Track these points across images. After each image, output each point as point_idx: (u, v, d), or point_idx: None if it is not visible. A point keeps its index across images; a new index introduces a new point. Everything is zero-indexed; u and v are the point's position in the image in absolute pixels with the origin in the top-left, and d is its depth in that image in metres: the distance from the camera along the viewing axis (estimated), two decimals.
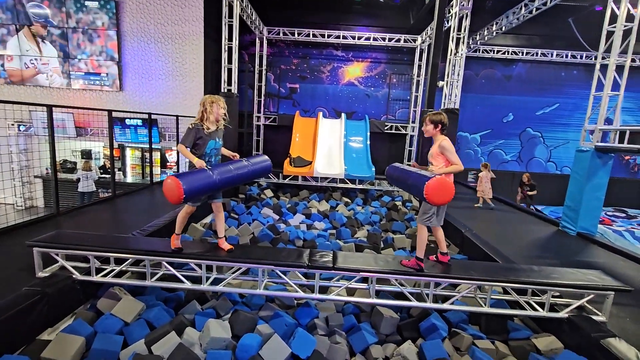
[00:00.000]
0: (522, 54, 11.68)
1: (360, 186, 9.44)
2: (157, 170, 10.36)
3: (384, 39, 11.15)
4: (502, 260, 4.07)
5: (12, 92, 10.16)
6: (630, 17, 5.13)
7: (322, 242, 5.52)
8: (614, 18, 5.25)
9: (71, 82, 10.13)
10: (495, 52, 11.67)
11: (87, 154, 10.55)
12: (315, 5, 11.37)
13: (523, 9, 8.56)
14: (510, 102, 12.23)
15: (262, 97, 11.71)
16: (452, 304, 3.22)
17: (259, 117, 11.67)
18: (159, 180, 8.77)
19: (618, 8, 5.21)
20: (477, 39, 10.75)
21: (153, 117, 7.73)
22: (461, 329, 3.23)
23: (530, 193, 9.48)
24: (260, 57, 11.49)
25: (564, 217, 5.79)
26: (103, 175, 9.72)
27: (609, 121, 5.32)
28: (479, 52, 11.60)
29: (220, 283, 3.32)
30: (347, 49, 11.84)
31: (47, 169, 10.22)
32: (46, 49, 9.95)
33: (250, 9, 9.61)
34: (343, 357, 2.91)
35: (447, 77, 8.41)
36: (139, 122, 10.04)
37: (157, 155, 10.42)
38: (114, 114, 6.45)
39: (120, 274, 3.38)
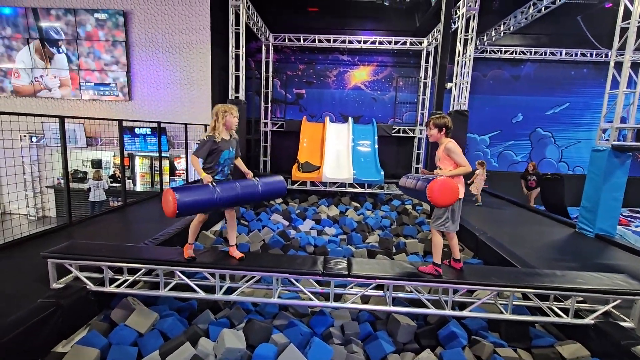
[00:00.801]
0: (531, 54, 11.54)
1: (370, 190, 9.36)
2: (166, 178, 10.43)
3: (389, 43, 11.12)
4: (519, 264, 3.97)
5: (24, 104, 10.35)
6: None
7: (333, 247, 5.45)
8: (627, 14, 5.14)
9: (81, 93, 10.28)
10: (503, 52, 11.55)
11: (97, 164, 10.68)
12: (320, 10, 11.41)
13: (531, 8, 8.47)
14: (519, 103, 12.07)
15: (269, 103, 11.75)
16: (470, 310, 3.13)
17: (266, 124, 11.69)
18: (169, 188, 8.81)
19: (632, 4, 5.11)
20: (485, 39, 10.66)
21: (162, 125, 7.79)
22: (481, 336, 3.14)
23: (533, 193, 8.87)
24: (267, 63, 11.54)
25: (581, 218, 5.64)
26: (113, 184, 9.82)
27: (623, 120, 5.19)
28: (487, 52, 11.49)
29: (233, 292, 3.28)
30: (353, 54, 11.84)
31: (58, 179, 10.36)
32: (56, 61, 10.12)
33: (257, 17, 9.67)
34: None
35: (455, 79, 8.33)
36: (148, 130, 10.13)
37: (166, 164, 10.49)
38: (124, 124, 6.50)
39: (133, 284, 3.36)
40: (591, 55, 11.46)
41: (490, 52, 11.52)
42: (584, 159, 12.12)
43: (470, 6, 7.76)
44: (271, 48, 11.42)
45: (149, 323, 3.06)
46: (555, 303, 3.18)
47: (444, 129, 3.01)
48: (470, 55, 8.17)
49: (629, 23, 5.08)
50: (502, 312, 3.12)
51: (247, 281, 3.31)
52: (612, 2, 9.86)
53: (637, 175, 12.18)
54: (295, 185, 9.42)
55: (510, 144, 12.27)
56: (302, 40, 11.15)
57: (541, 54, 11.53)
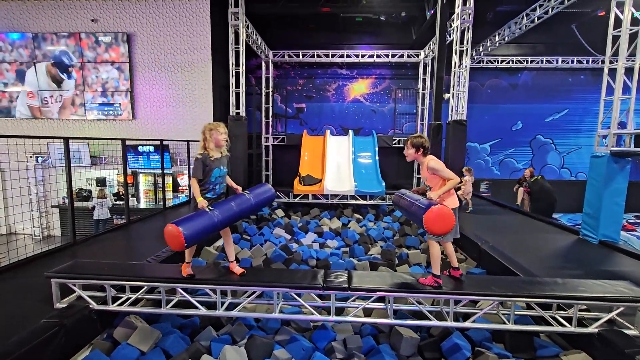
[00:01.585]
0: (527, 62, 11.68)
1: (371, 202, 9.37)
2: (169, 194, 10.52)
3: (387, 56, 11.32)
4: (522, 273, 3.94)
5: (31, 126, 10.58)
6: (634, 21, 5.11)
7: (335, 260, 5.45)
8: (618, 22, 5.23)
9: (86, 113, 10.50)
10: (500, 62, 11.70)
11: (101, 182, 10.81)
12: (318, 27, 11.68)
13: (524, 18, 8.63)
14: (518, 110, 12.15)
15: (270, 118, 11.91)
16: (473, 321, 3.11)
17: (267, 138, 11.83)
18: (172, 204, 8.88)
19: (621, 12, 5.21)
20: (481, 50, 10.82)
21: (165, 143, 7.92)
22: (485, 347, 3.11)
23: (525, 199, 8.73)
24: (267, 79, 11.75)
25: (584, 225, 5.61)
26: (117, 202, 9.92)
27: (622, 125, 5.22)
28: (483, 62, 11.65)
29: (235, 307, 3.29)
30: (351, 67, 12.04)
31: (63, 198, 10.48)
32: (65, 84, 10.39)
33: (256, 35, 9.91)
34: None
35: (453, 89, 8.43)
36: (151, 148, 10.28)
37: (169, 180, 10.60)
38: (128, 142, 6.62)
39: (135, 302, 3.38)
40: (587, 62, 11.58)
41: (487, 62, 11.68)
42: (586, 165, 12.06)
43: (464, 19, 7.92)
44: (271, 64, 11.66)
45: (151, 341, 3.07)
46: (558, 312, 3.16)
47: (421, 149, 3.05)
48: (466, 66, 8.30)
49: (620, 31, 5.17)
50: (505, 323, 3.09)
51: (248, 296, 3.31)
52: (604, 11, 10.02)
53: None
54: (297, 198, 9.46)
55: (511, 151, 12.29)
56: (301, 56, 11.38)
57: (538, 62, 11.67)
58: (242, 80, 8.69)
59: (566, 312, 3.15)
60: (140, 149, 10.29)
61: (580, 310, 3.06)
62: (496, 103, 12.15)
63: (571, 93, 12.05)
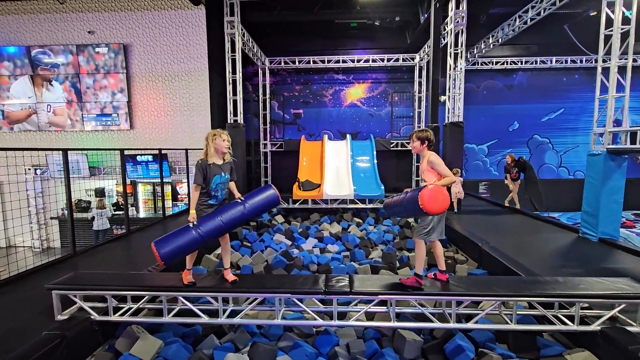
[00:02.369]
0: (522, 63, 11.79)
1: (371, 205, 9.38)
2: (168, 203, 10.51)
3: (382, 60, 11.41)
4: (523, 273, 3.94)
5: (29, 138, 10.59)
6: (626, 20, 5.17)
7: (336, 265, 5.44)
8: (609, 22, 5.30)
9: (84, 124, 10.53)
10: (494, 63, 11.80)
11: (100, 192, 10.80)
12: (313, 33, 11.78)
13: (517, 20, 8.73)
14: (514, 111, 12.23)
15: (268, 124, 11.96)
16: (476, 322, 3.11)
17: (265, 144, 11.86)
18: (171, 213, 8.87)
19: (612, 12, 5.28)
20: (475, 52, 10.92)
21: (163, 152, 7.93)
22: (489, 348, 3.10)
23: (516, 185, 8.43)
24: (264, 86, 11.82)
25: (583, 223, 5.62)
26: (117, 212, 9.90)
27: (618, 122, 5.26)
28: (478, 64, 11.75)
29: (237, 315, 3.28)
30: (347, 72, 12.13)
31: (62, 209, 10.46)
32: (53, 91, 10.38)
33: (252, 42, 9.99)
34: None
35: (449, 92, 8.49)
36: (150, 157, 10.29)
37: (168, 189, 10.59)
38: (126, 152, 6.64)
39: (137, 312, 3.37)
40: (581, 61, 11.69)
41: (481, 64, 11.78)
42: (583, 163, 12.13)
43: (457, 22, 8.00)
44: (267, 71, 11.73)
45: (153, 351, 3.05)
46: (560, 310, 3.15)
47: (426, 142, 3.13)
48: (461, 69, 8.36)
49: (611, 30, 5.24)
50: (507, 323, 3.09)
51: (250, 303, 3.31)
52: (595, 10, 10.14)
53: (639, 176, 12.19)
54: (297, 204, 9.46)
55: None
56: (297, 62, 11.46)
57: (532, 63, 11.77)
58: (239, 87, 8.73)
59: (568, 310, 3.14)
60: (138, 158, 10.30)
61: (582, 308, 3.07)
62: (492, 104, 12.23)
63: (566, 92, 12.14)
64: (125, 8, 10.09)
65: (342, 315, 3.55)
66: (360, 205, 9.33)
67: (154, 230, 6.84)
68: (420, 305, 3.26)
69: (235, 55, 8.62)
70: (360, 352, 3.18)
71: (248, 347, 3.18)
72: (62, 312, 3.17)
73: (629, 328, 2.84)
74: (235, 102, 8.81)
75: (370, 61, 11.43)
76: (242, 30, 8.82)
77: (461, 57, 8.38)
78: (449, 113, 8.53)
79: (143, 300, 3.25)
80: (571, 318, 3.01)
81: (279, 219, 8.84)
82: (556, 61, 11.72)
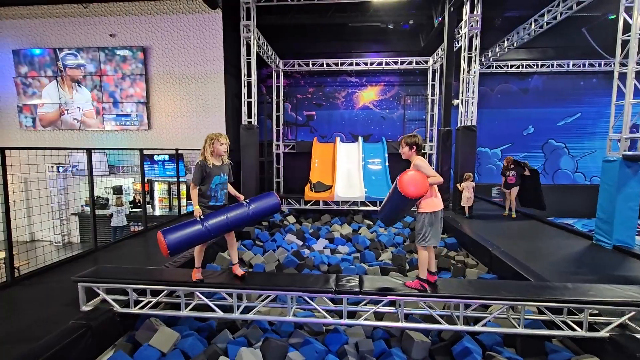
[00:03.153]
0: (537, 67, 11.64)
1: None
2: (183, 202, 10.76)
3: (395, 63, 11.44)
4: (533, 278, 3.95)
5: (52, 137, 11.00)
6: None
7: (346, 266, 5.53)
8: (627, 27, 5.24)
9: (104, 124, 10.89)
10: (509, 66, 11.69)
11: (118, 190, 11.13)
12: (327, 36, 11.90)
13: (533, 24, 8.65)
14: (529, 115, 12.08)
15: (281, 126, 12.13)
16: (484, 325, 3.15)
17: (278, 146, 12.04)
18: (187, 211, 9.10)
19: (630, 17, 5.22)
20: (490, 55, 10.84)
21: (180, 152, 8.17)
22: (496, 352, 3.14)
23: (512, 191, 7.62)
24: (278, 88, 12.00)
25: (597, 230, 5.56)
26: (134, 210, 10.20)
27: (636, 127, 5.20)
28: (493, 67, 11.65)
29: (250, 311, 3.40)
30: (360, 75, 12.20)
31: (82, 206, 10.83)
32: (81, 92, 10.80)
33: (266, 45, 10.18)
34: None
35: (462, 95, 8.48)
36: (166, 157, 10.57)
37: (183, 188, 10.85)
38: (145, 152, 6.87)
39: (155, 306, 3.53)
40: (599, 65, 11.47)
41: (496, 67, 11.68)
42: (600, 169, 11.91)
43: (472, 26, 8.00)
44: (281, 73, 11.91)
45: (170, 343, 3.20)
46: (569, 316, 3.17)
47: (415, 147, 3.19)
48: (475, 72, 8.35)
49: (629, 35, 5.18)
50: (515, 327, 3.12)
51: (262, 300, 3.43)
52: (615, 14, 9.94)
53: None
54: (308, 205, 9.58)
55: (522, 156, 12.16)
56: (310, 65, 11.60)
57: (548, 67, 11.61)
58: (254, 90, 8.91)
59: (577, 316, 3.16)
60: (155, 158, 10.60)
61: (592, 314, 3.08)
62: (506, 108, 12.11)
63: (583, 96, 11.93)
64: (146, 12, 10.41)
65: (352, 315, 3.63)
66: (371, 208, 9.39)
67: None
68: (429, 307, 3.32)
69: (250, 58, 8.80)
70: (368, 351, 3.26)
71: (260, 342, 3.30)
72: (86, 303, 3.35)
73: (638, 336, 2.84)
74: (249, 104, 8.99)
75: (384, 64, 11.48)
76: (257, 33, 9.01)
77: (475, 60, 8.37)
78: (461, 117, 8.52)
79: (162, 294, 3.41)
80: (580, 324, 3.02)
81: (291, 219, 8.97)
82: (573, 65, 11.52)
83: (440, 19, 9.58)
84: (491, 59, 11.03)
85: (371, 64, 11.52)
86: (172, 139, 10.69)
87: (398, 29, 11.60)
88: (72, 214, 10.91)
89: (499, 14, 10.56)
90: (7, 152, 3.92)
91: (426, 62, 11.40)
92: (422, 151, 3.25)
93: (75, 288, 3.35)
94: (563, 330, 3.03)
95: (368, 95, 12.32)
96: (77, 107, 10.86)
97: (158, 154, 10.52)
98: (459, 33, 8.70)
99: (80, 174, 10.26)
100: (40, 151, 4.53)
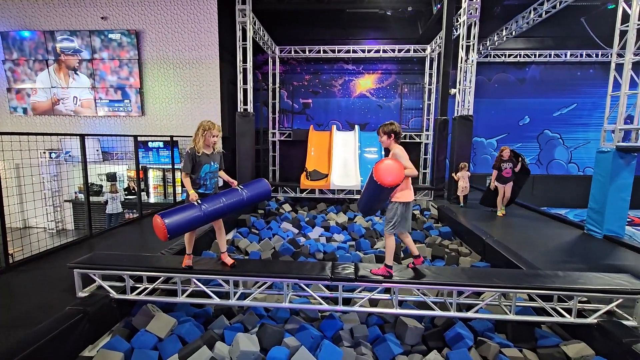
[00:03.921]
0: (535, 57, 11.59)
1: None
2: (178, 189, 10.71)
3: (393, 51, 11.31)
4: (525, 267, 4.03)
5: (43, 122, 10.82)
6: None
7: (342, 254, 5.58)
8: (626, 17, 5.22)
9: (97, 110, 10.71)
10: (507, 56, 11.62)
11: (112, 177, 11.03)
12: (324, 22, 11.71)
13: (532, 13, 8.57)
14: (525, 105, 12.09)
15: (277, 113, 12.02)
16: (476, 312, 3.22)
17: (274, 133, 11.95)
18: (182, 199, 9.06)
19: (629, 7, 5.19)
20: (488, 44, 10.76)
21: (174, 139, 8.08)
22: (487, 337, 3.21)
23: (507, 187, 6.84)
24: (273, 75, 11.84)
25: (589, 220, 5.66)
26: (128, 197, 10.14)
27: (630, 119, 5.23)
28: (490, 57, 11.58)
29: (246, 298, 3.44)
30: (357, 62, 12.07)
31: (75, 193, 10.74)
32: (78, 80, 10.59)
33: (262, 31, 9.99)
34: None
35: (459, 84, 8.44)
36: (161, 144, 10.47)
37: (178, 175, 10.78)
38: (139, 138, 6.78)
39: (152, 292, 3.55)
40: (597, 55, 11.45)
41: (494, 56, 11.61)
42: (594, 160, 12.04)
43: (470, 13, 7.91)
44: (277, 60, 11.73)
45: (167, 328, 3.23)
46: (558, 303, 3.25)
47: (393, 135, 3.20)
48: (473, 61, 8.29)
49: (627, 26, 5.16)
50: (507, 314, 3.19)
51: (259, 287, 3.46)
52: (615, 3, 9.88)
53: None
54: (304, 193, 9.59)
55: (517, 146, 12.22)
56: (307, 52, 11.43)
57: (546, 56, 11.56)
58: (250, 76, 8.79)
59: (567, 303, 3.24)
60: (150, 144, 10.49)
61: (581, 302, 3.16)
62: (503, 97, 12.10)
63: (580, 87, 11.95)
64: None
65: (347, 301, 3.69)
66: None
67: None
68: (423, 294, 3.38)
69: (246, 44, 8.66)
70: (363, 336, 3.33)
71: (256, 328, 3.35)
72: (82, 289, 3.36)
73: (625, 322, 2.93)
74: (245, 90, 8.88)
75: (381, 52, 11.35)
76: (253, 18, 8.83)
77: (473, 49, 8.30)
78: (458, 106, 8.50)
79: (158, 280, 3.42)
80: (569, 311, 3.10)
81: (287, 207, 8.99)
82: (571, 55, 11.49)
83: (439, 6, 9.45)
84: (489, 48, 10.95)
85: (368, 51, 11.38)
86: (167, 125, 10.57)
87: (396, 16, 11.43)
88: (66, 201, 10.83)
89: (498, 2, 10.44)
90: None
91: (424, 50, 11.29)
92: (401, 139, 3.26)
93: (71, 274, 3.35)
94: (553, 316, 3.11)
95: (365, 83, 12.22)
96: (74, 97, 10.64)
97: (152, 141, 10.41)
98: (457, 21, 8.60)
99: (73, 161, 10.14)
100: (33, 137, 4.45)
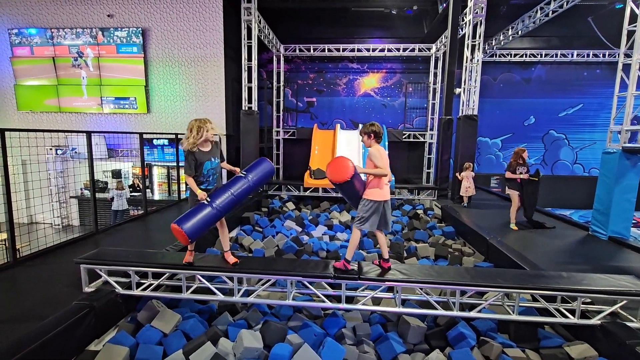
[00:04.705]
0: (541, 56, 11.50)
1: None
2: (182, 186, 10.77)
3: (398, 50, 11.28)
4: (529, 267, 4.02)
5: (50, 119, 10.91)
6: None
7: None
8: (634, 17, 5.17)
9: (102, 107, 10.78)
10: (513, 55, 11.55)
11: (117, 174, 11.11)
12: (329, 21, 11.70)
13: (539, 12, 8.51)
14: (530, 105, 12.02)
15: (281, 112, 12.04)
16: (479, 312, 3.23)
17: (278, 132, 11.98)
18: (186, 196, 9.11)
19: (637, 7, 5.14)
20: (493, 44, 10.71)
21: (180, 137, 8.12)
22: (490, 337, 3.22)
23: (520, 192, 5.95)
24: (278, 73, 11.85)
25: (594, 221, 5.63)
26: (133, 194, 10.21)
27: (637, 119, 5.19)
28: (496, 56, 11.52)
29: (250, 295, 3.47)
30: (362, 61, 12.04)
31: (81, 189, 10.84)
32: (84, 77, 10.67)
33: (267, 29, 10.00)
34: None
35: (464, 84, 8.41)
36: (166, 142, 10.53)
37: (182, 172, 10.84)
38: (144, 136, 6.83)
39: (156, 288, 3.59)
40: (604, 55, 11.35)
41: (499, 56, 11.54)
42: (600, 161, 11.95)
43: (476, 12, 7.87)
44: (282, 58, 11.74)
45: (172, 324, 3.27)
46: (562, 304, 3.24)
47: (372, 135, 3.29)
48: (478, 60, 8.26)
49: (635, 26, 5.11)
50: (510, 314, 3.19)
51: (263, 284, 3.49)
52: (623, 3, 9.78)
53: None
54: (308, 191, 9.61)
55: (522, 146, 12.15)
56: (312, 50, 11.43)
57: (552, 56, 11.47)
58: (254, 75, 8.81)
59: (570, 304, 3.23)
60: (155, 142, 10.55)
61: (584, 303, 3.15)
62: (508, 97, 12.02)
63: (586, 87, 11.85)
64: None
65: (350, 300, 3.71)
66: None
67: (170, 211, 7.10)
68: (426, 293, 3.38)
69: (251, 42, 8.67)
70: (365, 334, 3.35)
71: (260, 324, 3.37)
72: (89, 284, 3.41)
73: (629, 324, 2.92)
74: (250, 89, 8.91)
75: (386, 51, 11.32)
76: (258, 16, 8.84)
77: (478, 48, 8.27)
78: (463, 106, 8.47)
79: (164, 276, 3.46)
80: (572, 312, 3.10)
81: (290, 205, 9.02)
82: (577, 55, 11.39)
83: (444, 5, 9.41)
84: (494, 47, 10.89)
85: (373, 50, 11.36)
86: (171, 123, 10.62)
87: (401, 15, 11.39)
88: (72, 197, 10.92)
89: (504, 1, 10.38)
90: (6, 134, 3.90)
91: (429, 49, 11.25)
92: (380, 139, 3.37)
93: (77, 270, 3.40)
94: (556, 317, 3.11)
95: (369, 82, 12.20)
96: (80, 95, 10.73)
97: (157, 138, 10.47)
98: (463, 20, 8.56)
99: (79, 157, 10.22)
100: (40, 133, 4.49)
